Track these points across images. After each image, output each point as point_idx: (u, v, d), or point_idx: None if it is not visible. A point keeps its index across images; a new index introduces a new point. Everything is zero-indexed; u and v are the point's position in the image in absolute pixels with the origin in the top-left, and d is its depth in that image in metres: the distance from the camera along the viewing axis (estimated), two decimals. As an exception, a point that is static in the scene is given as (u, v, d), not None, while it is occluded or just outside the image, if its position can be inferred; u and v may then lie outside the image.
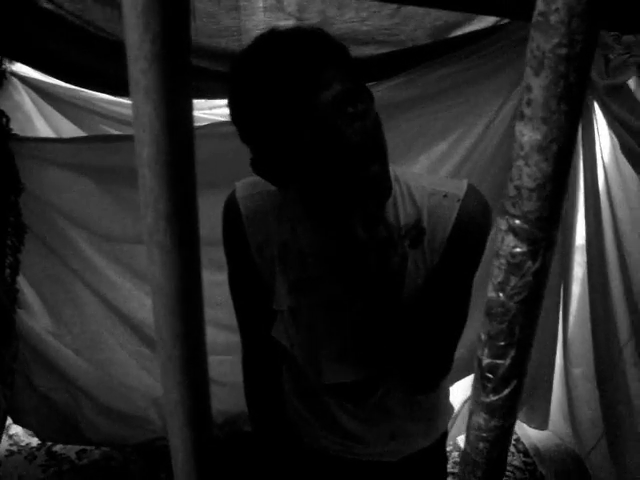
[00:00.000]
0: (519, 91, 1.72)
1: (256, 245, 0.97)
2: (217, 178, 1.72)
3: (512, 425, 0.37)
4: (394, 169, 0.94)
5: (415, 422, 1.15)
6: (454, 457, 2.22)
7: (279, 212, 0.96)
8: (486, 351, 0.34)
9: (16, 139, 1.77)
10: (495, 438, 0.37)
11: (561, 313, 2.02)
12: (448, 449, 2.22)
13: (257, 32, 1.47)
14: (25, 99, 1.93)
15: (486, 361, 0.34)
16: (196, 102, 2.25)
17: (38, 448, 2.31)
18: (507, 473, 2.22)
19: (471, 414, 0.37)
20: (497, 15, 1.50)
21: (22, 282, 1.86)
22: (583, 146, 1.76)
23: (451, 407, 1.27)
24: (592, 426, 1.92)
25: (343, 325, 0.99)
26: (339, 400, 1.09)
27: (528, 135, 0.28)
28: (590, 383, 1.89)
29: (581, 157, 1.78)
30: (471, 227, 0.91)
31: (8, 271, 1.79)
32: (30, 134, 1.90)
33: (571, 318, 2.02)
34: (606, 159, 1.72)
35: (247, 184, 0.99)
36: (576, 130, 0.28)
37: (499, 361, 0.34)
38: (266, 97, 0.77)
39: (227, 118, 2.05)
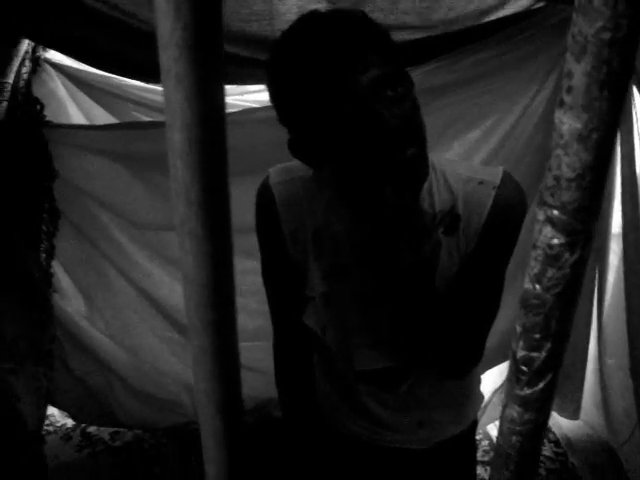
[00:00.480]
0: (554, 78, 1.68)
1: (290, 231, 0.98)
2: (248, 165, 1.73)
3: (546, 419, 0.36)
4: (430, 156, 0.93)
5: (445, 410, 1.14)
6: (484, 446, 2.21)
7: (313, 198, 0.96)
8: (521, 343, 0.33)
9: (50, 126, 1.79)
10: (529, 432, 0.36)
11: (595, 302, 1.99)
12: (478, 437, 2.21)
13: (290, 16, 1.46)
14: (59, 86, 1.96)
15: (521, 353, 0.34)
16: (227, 88, 2.26)
17: (73, 429, 2.36)
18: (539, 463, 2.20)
19: (505, 406, 0.37)
20: None
21: (56, 267, 1.90)
22: (621, 132, 1.71)
23: (481, 395, 1.26)
24: (626, 417, 1.89)
25: (375, 312, 0.99)
26: (369, 386, 1.09)
27: (568, 123, 0.27)
28: (624, 373, 1.85)
29: (619, 144, 1.73)
30: (506, 215, 0.90)
31: (44, 256, 1.82)
32: (63, 121, 1.92)
33: (606, 307, 1.98)
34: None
35: (281, 170, 0.99)
36: (618, 119, 0.27)
37: (534, 354, 0.33)
38: (305, 79, 0.78)
39: (258, 104, 2.06)
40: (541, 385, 0.34)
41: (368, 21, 0.82)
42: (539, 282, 0.31)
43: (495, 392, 2.18)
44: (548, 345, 0.32)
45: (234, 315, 0.28)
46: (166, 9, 0.21)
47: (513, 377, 0.35)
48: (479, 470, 2.04)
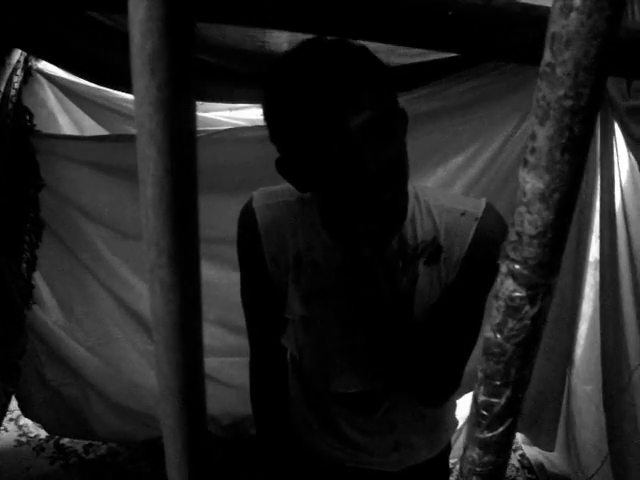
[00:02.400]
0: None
1: (271, 255, 0.98)
2: (235, 182, 1.74)
3: (506, 461, 0.37)
4: (414, 186, 0.95)
5: (420, 434, 1.15)
6: (457, 470, 2.20)
7: (295, 223, 0.97)
8: (482, 389, 0.34)
9: (38, 135, 1.79)
10: (488, 473, 0.37)
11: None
12: (452, 461, 2.20)
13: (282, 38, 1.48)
14: (49, 96, 1.96)
15: (482, 398, 0.35)
16: (215, 104, 2.27)
17: (46, 440, 2.33)
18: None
19: (465, 448, 0.37)
20: (506, 59, 1.49)
21: (37, 277, 1.88)
22: (601, 165, 1.74)
23: (456, 420, 1.27)
24: (594, 451, 1.89)
25: (353, 337, 0.99)
26: (345, 410, 1.09)
27: (531, 183, 0.28)
28: (594, 406, 1.86)
29: (599, 176, 1.76)
30: (488, 246, 0.91)
31: (25, 266, 1.81)
32: (53, 131, 1.92)
33: (579, 337, 2.00)
34: (624, 179, 1.70)
35: (264, 194, 1.00)
36: (580, 180, 0.29)
37: (494, 400, 0.34)
38: (297, 112, 0.78)
39: (246, 121, 2.06)
40: (501, 429, 0.35)
41: (368, 56, 0.81)
42: (500, 332, 0.32)
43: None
44: (508, 392, 0.33)
45: (201, 358, 0.29)
46: (141, 69, 0.22)
47: (474, 420, 0.36)
48: (453, 494, 2.04)
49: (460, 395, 1.95)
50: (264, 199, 0.99)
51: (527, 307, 0.31)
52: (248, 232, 0.99)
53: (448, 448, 1.26)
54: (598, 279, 1.82)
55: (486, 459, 0.36)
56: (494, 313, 0.32)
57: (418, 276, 0.92)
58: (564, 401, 2.07)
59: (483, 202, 0.94)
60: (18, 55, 1.76)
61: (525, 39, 0.93)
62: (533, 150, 0.28)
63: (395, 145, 0.81)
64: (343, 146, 0.77)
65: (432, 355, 0.95)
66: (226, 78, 1.66)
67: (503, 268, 0.31)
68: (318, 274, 0.97)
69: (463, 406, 2.09)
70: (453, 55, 1.57)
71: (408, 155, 0.85)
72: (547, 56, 0.26)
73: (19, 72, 1.78)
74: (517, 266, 0.30)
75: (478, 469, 0.37)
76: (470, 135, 1.77)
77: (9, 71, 1.73)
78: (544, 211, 0.29)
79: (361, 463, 1.15)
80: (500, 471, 0.37)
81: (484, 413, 0.35)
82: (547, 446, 2.15)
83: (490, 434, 0.35)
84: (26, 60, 1.81)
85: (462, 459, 0.38)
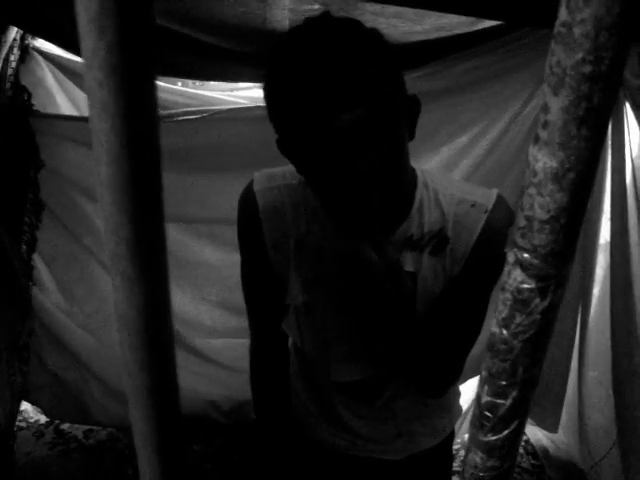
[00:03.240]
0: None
1: (272, 240, 0.95)
2: (236, 161, 1.71)
3: (512, 466, 0.34)
4: (424, 173, 0.91)
5: (422, 422, 1.13)
6: (461, 456, 2.19)
7: (297, 207, 0.94)
8: (486, 389, 0.31)
9: (37, 115, 1.76)
10: (493, 479, 0.34)
11: (580, 315, 1.97)
12: (456, 447, 2.20)
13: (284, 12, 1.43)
14: (47, 75, 1.92)
15: (485, 399, 0.32)
16: (218, 84, 2.23)
17: (46, 425, 2.32)
18: (514, 475, 2.19)
19: (468, 451, 0.34)
20: (513, 22, 1.43)
21: (36, 259, 1.86)
22: (612, 145, 1.70)
23: (460, 408, 1.25)
24: (604, 434, 1.87)
25: (354, 324, 0.97)
26: (345, 398, 1.07)
27: (543, 161, 0.25)
28: (605, 389, 1.84)
29: (609, 156, 1.72)
30: (496, 240, 0.88)
31: (24, 248, 1.79)
32: (51, 110, 1.89)
33: (590, 320, 1.97)
34: (635, 159, 1.66)
35: (265, 176, 0.96)
36: (598, 158, 0.25)
37: (499, 400, 0.31)
38: (289, 99, 0.74)
39: (248, 100, 2.03)
40: (506, 432, 0.32)
41: (375, 42, 0.76)
42: (506, 327, 0.29)
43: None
44: (514, 393, 0.30)
45: (172, 355, 0.26)
46: (88, 28, 0.19)
47: (477, 422, 0.33)
48: (456, 480, 2.03)
49: (465, 380, 1.93)
50: (265, 182, 0.95)
51: (537, 300, 0.28)
52: (248, 216, 0.96)
53: (452, 435, 1.24)
54: (609, 261, 1.79)
55: (490, 464, 0.33)
56: (500, 307, 0.29)
57: (422, 266, 0.89)
58: (574, 385, 2.05)
59: (494, 193, 0.91)
60: (14, 33, 1.72)
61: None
62: (545, 124, 0.25)
63: (392, 142, 0.76)
64: (329, 144, 0.73)
65: (433, 347, 0.93)
66: (227, 57, 1.62)
67: (510, 257, 0.27)
68: (320, 260, 0.94)
69: (468, 390, 2.08)
70: (458, 32, 1.52)
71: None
72: (563, 14, 0.23)
73: (15, 51, 1.74)
74: (526, 255, 0.27)
75: (481, 474, 0.34)
76: (475, 114, 1.72)
77: (5, 50, 1.70)
78: (557, 193, 0.25)
79: (362, 451, 1.14)
80: (505, 477, 0.34)
81: (488, 415, 0.32)
82: (551, 427, 2.13)
83: (494, 437, 0.32)
84: (22, 38, 1.78)
85: (464, 462, 0.35)
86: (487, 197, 0.90)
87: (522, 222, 0.27)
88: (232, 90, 2.12)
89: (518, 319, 0.28)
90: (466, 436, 2.27)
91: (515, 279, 0.28)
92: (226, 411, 2.07)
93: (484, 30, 1.51)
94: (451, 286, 0.92)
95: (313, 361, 1.04)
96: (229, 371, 1.96)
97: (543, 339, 0.29)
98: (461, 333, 0.94)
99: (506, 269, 0.28)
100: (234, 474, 2.00)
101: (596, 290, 1.95)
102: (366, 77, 0.72)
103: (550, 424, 2.13)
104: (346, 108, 0.71)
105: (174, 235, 1.90)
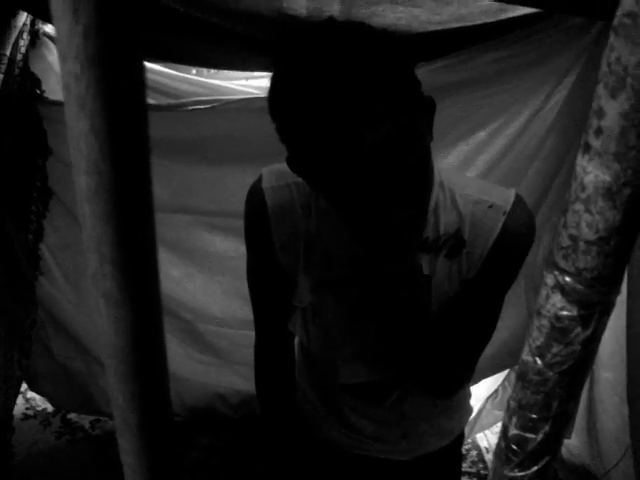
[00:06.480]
0: (570, 81, 1.61)
1: (280, 240, 0.92)
2: (247, 153, 1.68)
3: (539, 505, 0.31)
4: (440, 172, 0.87)
5: (430, 423, 1.11)
6: (472, 456, 2.16)
7: (308, 208, 0.90)
8: (515, 421, 0.28)
9: (45, 102, 1.74)
10: (518, 517, 0.31)
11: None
12: (467, 447, 2.17)
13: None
14: (57, 60, 1.89)
15: (513, 432, 0.29)
16: (231, 72, 2.20)
17: (53, 414, 2.31)
18: (525, 475, 2.15)
19: (491, 486, 0.31)
20: (562, 11, 1.36)
21: (43, 248, 1.85)
22: None
23: (470, 408, 1.23)
24: (615, 443, 1.83)
25: (363, 326, 0.94)
26: (352, 399, 1.05)
27: (594, 174, 0.21)
28: (618, 396, 1.79)
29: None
30: (514, 243, 0.85)
31: (31, 237, 1.77)
32: (61, 96, 1.87)
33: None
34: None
35: (274, 173, 0.92)
36: (657, 171, 0.22)
37: (529, 435, 0.28)
38: (306, 118, 0.68)
39: (263, 92, 2.00)
40: (534, 468, 0.29)
41: (394, 50, 0.70)
42: (541, 356, 0.26)
43: (488, 399, 2.13)
44: (546, 427, 0.27)
45: (166, 386, 0.23)
46: (62, 9, 0.15)
47: (502, 455, 0.29)
48: (465, 482, 2.00)
49: (478, 380, 1.90)
50: (274, 179, 0.91)
51: (578, 329, 0.24)
52: (256, 215, 0.93)
53: (461, 437, 1.22)
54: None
55: (515, 501, 0.30)
56: (535, 333, 0.26)
57: (437, 269, 0.86)
58: (586, 387, 2.00)
59: (512, 194, 0.87)
60: (24, 18, 1.69)
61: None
62: (599, 131, 0.21)
63: (419, 148, 0.72)
64: (360, 161, 0.68)
65: (445, 349, 0.91)
66: (240, 45, 1.58)
67: (549, 280, 0.24)
68: (330, 263, 0.91)
69: (480, 388, 2.05)
70: (478, 23, 1.47)
71: None
72: (627, 3, 0.19)
73: (25, 35, 1.71)
74: (568, 278, 0.23)
75: (505, 511, 0.31)
76: (494, 109, 1.67)
77: (15, 34, 1.67)
78: (609, 211, 0.22)
79: (368, 451, 1.12)
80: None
81: (515, 449, 0.29)
82: (565, 433, 2.09)
83: (521, 473, 0.29)
84: (32, 23, 1.74)
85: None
86: (505, 198, 0.86)
87: (565, 242, 0.23)
88: (247, 79, 2.08)
89: (555, 349, 0.25)
90: (477, 436, 2.24)
91: (554, 305, 0.24)
92: (234, 405, 2.05)
93: (508, 20, 1.46)
94: (466, 289, 0.89)
95: (320, 361, 1.01)
96: (238, 364, 1.94)
97: (581, 371, 0.26)
98: (473, 335, 0.92)
99: (543, 292, 0.25)
100: (241, 468, 1.98)
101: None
102: (393, 89, 0.68)
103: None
104: (377, 122, 0.66)
105: (184, 226, 1.88)
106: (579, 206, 0.22)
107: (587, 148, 0.22)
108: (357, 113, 0.65)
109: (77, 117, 0.17)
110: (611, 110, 0.21)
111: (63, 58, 0.16)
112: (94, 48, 0.16)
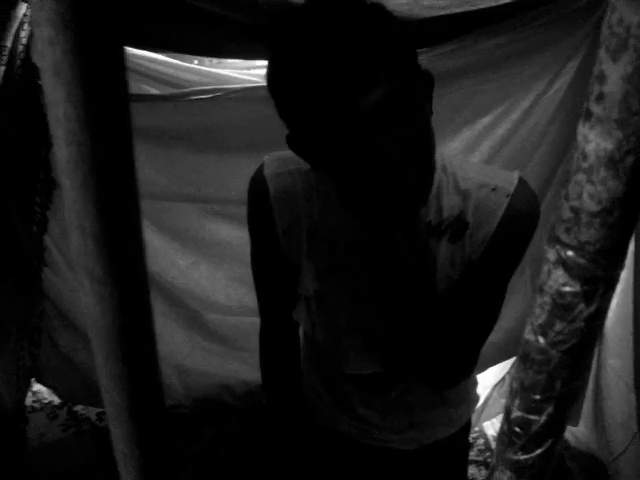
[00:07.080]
0: (574, 65, 1.60)
1: (284, 228, 0.92)
2: (253, 142, 1.68)
3: (543, 488, 0.30)
4: (442, 156, 0.87)
5: (437, 413, 1.11)
6: (479, 445, 2.16)
7: (310, 194, 0.90)
8: (517, 402, 0.28)
9: (47, 93, 1.73)
10: (521, 500, 0.30)
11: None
12: (474, 436, 2.16)
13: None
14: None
15: (516, 414, 0.28)
16: (234, 61, 2.18)
17: (60, 407, 2.31)
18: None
19: (494, 469, 0.31)
20: None
21: (48, 239, 1.85)
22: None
23: (477, 397, 1.23)
24: (622, 429, 1.82)
25: (368, 314, 0.93)
26: (358, 389, 1.05)
27: (595, 142, 0.21)
28: (624, 383, 1.78)
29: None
30: (518, 226, 0.84)
31: (35, 228, 1.77)
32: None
33: (610, 312, 1.91)
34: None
35: (276, 160, 0.92)
36: (662, 139, 0.21)
37: (532, 416, 0.27)
38: (303, 87, 0.70)
39: (263, 80, 1.98)
40: (538, 451, 0.28)
41: (385, 17, 0.72)
42: (544, 335, 0.25)
43: (495, 387, 2.13)
44: (550, 408, 0.26)
45: (155, 366, 0.22)
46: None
47: (505, 438, 0.29)
48: (473, 470, 2.00)
49: (485, 368, 1.90)
50: (276, 166, 0.91)
51: (581, 305, 0.24)
52: (259, 202, 0.92)
53: (468, 425, 1.21)
54: (632, 248, 1.72)
55: (519, 484, 0.30)
56: (537, 311, 0.25)
57: (440, 253, 0.85)
58: (593, 374, 1.99)
59: (516, 176, 0.86)
60: (25, 8, 1.68)
61: None
62: (600, 96, 0.20)
63: (418, 117, 0.72)
64: (356, 128, 0.69)
65: (447, 335, 0.89)
66: (240, 32, 1.57)
67: (551, 255, 0.23)
68: (333, 249, 0.91)
69: (487, 376, 2.05)
70: (481, 7, 1.46)
71: (433, 114, 0.77)
72: (629, -40, 0.19)
73: (26, 26, 1.70)
74: (570, 252, 0.23)
75: (509, 494, 0.30)
76: (498, 94, 1.66)
77: (16, 25, 1.66)
78: (611, 180, 0.21)
79: (375, 440, 1.12)
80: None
81: (518, 431, 0.28)
82: (571, 420, 2.08)
83: (525, 456, 0.28)
84: (33, 14, 1.74)
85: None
86: (508, 180, 0.85)
87: (567, 214, 0.22)
88: (249, 68, 2.07)
89: (558, 326, 0.24)
90: (484, 425, 2.24)
91: (556, 280, 0.24)
92: (240, 395, 2.06)
93: (510, 4, 1.44)
94: (469, 273, 0.89)
95: (325, 351, 1.01)
96: (244, 353, 1.94)
97: (586, 350, 0.25)
98: (477, 320, 0.91)
99: (545, 268, 0.24)
100: (248, 459, 1.99)
101: (623, 274, 1.88)
102: (386, 52, 0.69)
103: (571, 417, 2.07)
104: (369, 88, 0.67)
105: (189, 215, 1.88)
106: (581, 176, 0.22)
107: (588, 115, 0.21)
108: (348, 77, 0.67)
109: (53, 85, 0.16)
110: (613, 74, 0.20)
111: (36, 23, 0.15)
112: (69, 10, 0.15)
